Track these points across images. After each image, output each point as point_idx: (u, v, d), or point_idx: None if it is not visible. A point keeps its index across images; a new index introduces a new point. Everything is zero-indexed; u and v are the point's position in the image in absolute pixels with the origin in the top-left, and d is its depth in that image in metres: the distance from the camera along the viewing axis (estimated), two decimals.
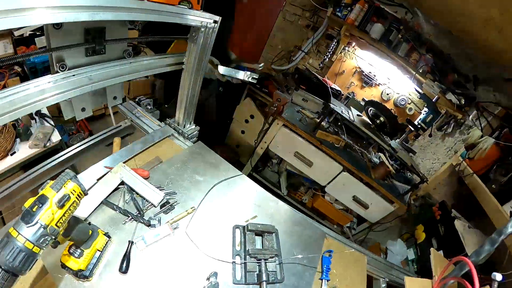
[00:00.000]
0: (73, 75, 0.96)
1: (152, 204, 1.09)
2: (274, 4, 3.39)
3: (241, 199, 1.28)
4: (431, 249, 1.39)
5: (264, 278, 0.95)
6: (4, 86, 2.35)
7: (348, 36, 2.71)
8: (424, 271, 1.79)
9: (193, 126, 1.64)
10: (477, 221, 1.95)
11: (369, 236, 2.55)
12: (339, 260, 1.19)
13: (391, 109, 2.89)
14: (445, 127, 2.54)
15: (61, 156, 1.32)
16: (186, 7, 1.05)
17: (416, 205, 2.57)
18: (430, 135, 2.71)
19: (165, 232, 0.98)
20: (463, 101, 2.27)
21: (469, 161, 2.16)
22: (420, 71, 2.42)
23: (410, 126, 2.66)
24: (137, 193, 1.10)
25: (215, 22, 1.23)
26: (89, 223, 0.87)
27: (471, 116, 2.32)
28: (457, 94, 2.26)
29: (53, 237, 0.61)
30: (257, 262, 1.01)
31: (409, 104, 2.91)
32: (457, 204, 2.27)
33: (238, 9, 3.48)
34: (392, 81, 2.92)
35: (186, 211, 1.10)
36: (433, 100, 2.42)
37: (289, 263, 1.08)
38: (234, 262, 1.01)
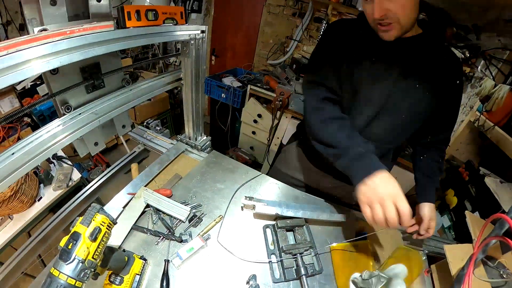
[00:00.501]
0: (79, 114, 0.99)
1: (180, 220, 1.11)
2: (255, 0, 3.40)
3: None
4: (466, 212, 1.34)
5: (303, 272, 0.95)
6: (19, 138, 2.45)
7: (337, 14, 2.67)
8: (462, 236, 1.74)
9: (205, 137, 1.66)
10: (508, 174, 1.87)
11: None
12: (374, 241, 1.17)
13: None
14: None
15: (85, 192, 1.36)
16: (171, 24, 1.07)
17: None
18: None
19: (198, 244, 0.99)
20: (467, 54, 2.19)
21: (487, 114, 2.07)
22: None
23: None
24: (164, 213, 1.13)
25: (202, 32, 1.24)
26: (124, 250, 0.89)
27: (479, 67, 2.23)
28: (460, 48, 2.19)
29: (92, 270, 0.63)
30: (293, 258, 1.01)
31: None
32: (484, 161, 2.19)
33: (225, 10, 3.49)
34: None
35: (214, 220, 1.12)
36: None
37: (325, 253, 1.07)
38: (271, 261, 1.01)
